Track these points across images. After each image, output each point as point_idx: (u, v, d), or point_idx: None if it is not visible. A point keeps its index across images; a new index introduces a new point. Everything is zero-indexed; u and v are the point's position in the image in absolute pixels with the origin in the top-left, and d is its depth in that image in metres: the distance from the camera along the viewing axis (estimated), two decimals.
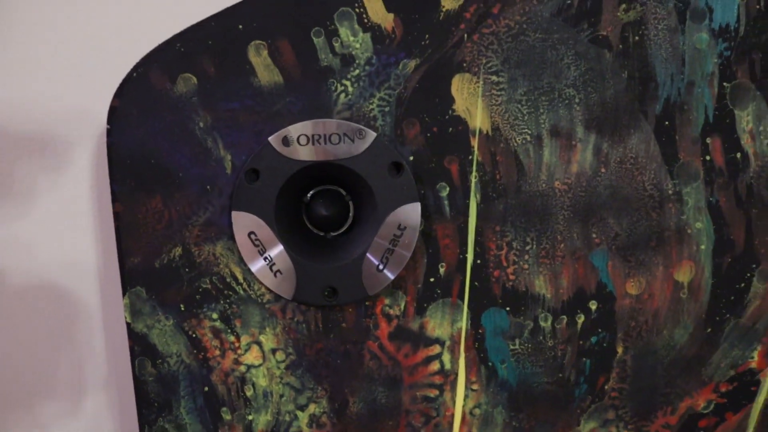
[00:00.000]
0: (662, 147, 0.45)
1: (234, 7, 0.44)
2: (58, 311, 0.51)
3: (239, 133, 0.44)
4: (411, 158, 0.45)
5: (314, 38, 0.44)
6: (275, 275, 0.45)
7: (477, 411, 0.47)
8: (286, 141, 0.44)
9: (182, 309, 0.45)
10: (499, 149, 0.45)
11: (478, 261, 0.45)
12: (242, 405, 0.46)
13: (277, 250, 0.45)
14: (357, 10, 0.44)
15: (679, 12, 0.44)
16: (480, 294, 0.46)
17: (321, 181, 0.45)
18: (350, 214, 0.46)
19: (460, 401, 0.46)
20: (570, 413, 0.47)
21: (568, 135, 0.45)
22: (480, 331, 0.46)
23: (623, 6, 0.44)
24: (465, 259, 0.45)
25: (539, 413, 0.47)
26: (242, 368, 0.46)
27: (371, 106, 0.44)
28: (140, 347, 0.46)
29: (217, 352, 0.46)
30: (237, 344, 0.46)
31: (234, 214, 0.44)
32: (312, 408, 0.46)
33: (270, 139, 0.44)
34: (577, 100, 0.44)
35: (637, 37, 0.44)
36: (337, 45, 0.44)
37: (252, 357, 0.46)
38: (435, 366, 0.46)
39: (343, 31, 0.44)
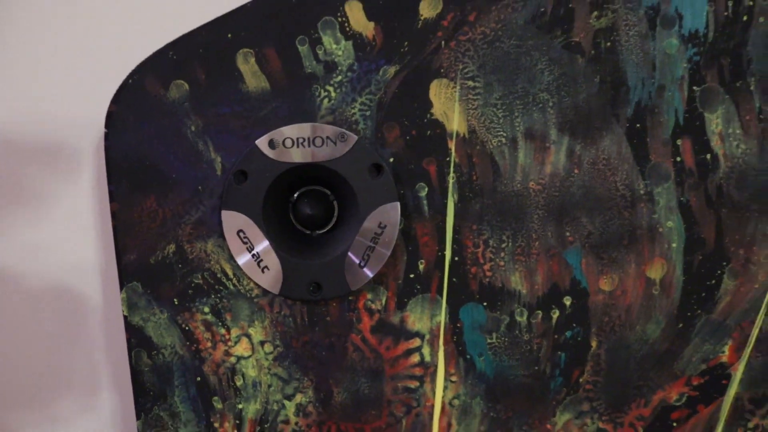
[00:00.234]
0: (634, 149, 0.46)
1: (223, 16, 0.45)
2: (71, 311, 0.53)
3: (229, 136, 0.46)
4: (391, 160, 0.46)
5: (299, 46, 0.46)
6: (263, 271, 0.47)
7: (456, 402, 0.48)
8: (272, 144, 0.46)
9: (176, 303, 0.47)
10: (475, 151, 0.46)
11: (456, 258, 0.47)
12: (233, 394, 0.48)
13: (264, 248, 0.46)
14: (339, 19, 0.45)
15: (650, 18, 0.45)
16: (458, 290, 0.47)
17: (307, 181, 0.47)
18: (335, 214, 0.48)
19: (439, 392, 0.48)
20: (546, 405, 0.48)
21: (542, 137, 0.46)
22: (458, 325, 0.47)
23: (595, 13, 0.45)
24: (443, 256, 0.47)
25: (516, 404, 0.48)
26: (232, 359, 0.48)
27: (353, 111, 0.46)
28: (137, 339, 0.48)
29: (209, 344, 0.48)
30: (227, 336, 0.48)
31: (224, 213, 0.46)
32: (299, 398, 0.48)
33: (257, 142, 0.46)
34: (550, 104, 0.46)
35: (608, 43, 0.45)
36: (320, 52, 0.46)
37: (242, 349, 0.48)
38: (415, 358, 0.48)
39: (327, 39, 0.46)
